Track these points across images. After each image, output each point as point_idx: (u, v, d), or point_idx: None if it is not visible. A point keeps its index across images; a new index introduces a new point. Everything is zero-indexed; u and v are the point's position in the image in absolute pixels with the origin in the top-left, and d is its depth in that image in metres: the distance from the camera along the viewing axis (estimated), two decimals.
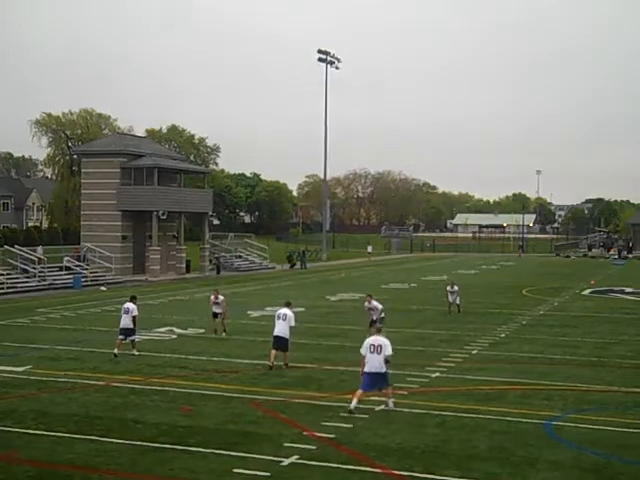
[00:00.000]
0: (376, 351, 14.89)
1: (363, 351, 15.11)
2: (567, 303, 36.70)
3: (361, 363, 15.19)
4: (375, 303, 24.39)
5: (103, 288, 44.04)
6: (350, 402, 14.86)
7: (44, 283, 43.91)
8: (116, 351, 21.17)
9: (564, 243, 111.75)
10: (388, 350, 14.93)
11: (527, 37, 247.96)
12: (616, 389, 17.32)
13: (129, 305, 21.85)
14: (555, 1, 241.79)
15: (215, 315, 25.50)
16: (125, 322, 21.62)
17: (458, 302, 32.01)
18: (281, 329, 19.43)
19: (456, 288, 32.18)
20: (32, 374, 18.86)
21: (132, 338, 21.71)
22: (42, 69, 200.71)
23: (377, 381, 14.93)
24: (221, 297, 25.58)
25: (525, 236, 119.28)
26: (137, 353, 21.39)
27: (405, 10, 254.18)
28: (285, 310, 19.76)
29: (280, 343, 19.35)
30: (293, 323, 19.60)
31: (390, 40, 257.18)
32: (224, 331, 25.28)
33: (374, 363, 14.86)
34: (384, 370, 14.88)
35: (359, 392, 14.93)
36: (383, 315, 24.18)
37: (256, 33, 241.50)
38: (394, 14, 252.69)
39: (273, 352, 19.40)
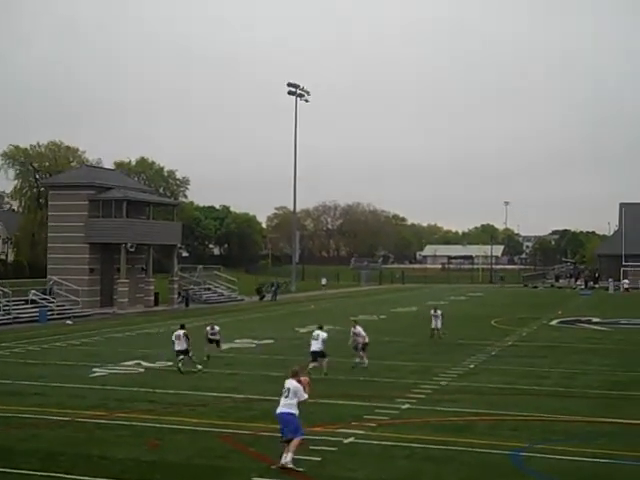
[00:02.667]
0: (283, 395, 13.67)
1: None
2: (535, 333, 36.95)
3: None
4: (359, 329, 25.64)
5: (69, 322, 43.53)
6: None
7: (8, 317, 43.26)
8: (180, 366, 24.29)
9: (532, 274, 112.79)
10: (301, 394, 13.65)
11: (493, 67, 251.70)
12: (582, 419, 17.41)
13: (179, 332, 24.91)
14: (517, 28, 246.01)
15: (210, 341, 27.36)
16: (180, 345, 24.61)
17: (439, 327, 33.80)
18: (317, 346, 23.65)
19: (439, 312, 34.31)
20: None
21: (189, 355, 24.73)
22: (9, 101, 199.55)
23: (283, 424, 13.57)
24: (217, 327, 27.79)
25: (494, 267, 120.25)
26: (200, 367, 24.51)
27: (373, 43, 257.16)
28: (318, 332, 24.06)
29: (317, 354, 23.56)
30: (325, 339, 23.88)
31: (359, 73, 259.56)
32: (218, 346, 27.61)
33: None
34: (291, 411, 13.51)
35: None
36: (367, 341, 25.53)
37: (224, 65, 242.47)
38: (363, 47, 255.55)
39: (312, 364, 23.26)
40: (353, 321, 26.92)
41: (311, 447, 14.53)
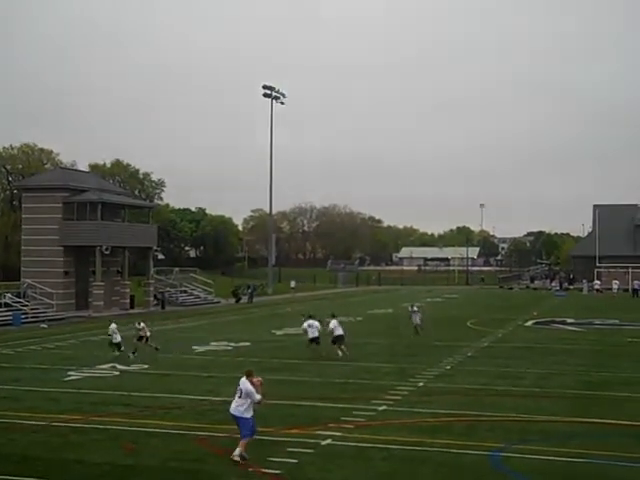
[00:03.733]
0: (237, 394, 14.04)
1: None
2: (511, 334, 37.14)
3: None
4: (332, 324, 28.35)
5: (44, 325, 43.13)
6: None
7: None
8: None
9: (507, 275, 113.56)
10: (253, 396, 13.92)
11: (475, 67, 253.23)
12: (558, 419, 17.52)
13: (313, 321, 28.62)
14: (500, 30, 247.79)
15: (140, 338, 29.38)
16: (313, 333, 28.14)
17: (419, 322, 35.63)
18: (315, 333, 28.01)
19: (416, 308, 36.54)
20: None
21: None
22: None
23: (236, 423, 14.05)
24: (142, 324, 29.87)
25: (470, 268, 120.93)
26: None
27: (351, 43, 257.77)
28: (312, 321, 28.40)
29: (316, 340, 28.00)
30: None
31: (335, 73, 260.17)
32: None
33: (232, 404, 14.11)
34: (243, 415, 13.85)
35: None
36: (340, 333, 28.19)
37: (202, 66, 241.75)
38: (342, 47, 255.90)
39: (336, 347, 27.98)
40: (331, 315, 29.26)
41: (288, 449, 14.51)
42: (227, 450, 14.50)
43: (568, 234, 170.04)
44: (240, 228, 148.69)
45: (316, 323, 28.38)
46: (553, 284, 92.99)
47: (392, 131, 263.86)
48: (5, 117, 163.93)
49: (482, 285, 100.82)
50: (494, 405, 19.17)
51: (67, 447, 15.04)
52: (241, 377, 14.26)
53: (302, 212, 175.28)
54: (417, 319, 35.59)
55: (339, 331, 28.03)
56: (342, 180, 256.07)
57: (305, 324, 28.64)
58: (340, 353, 27.73)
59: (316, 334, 28.03)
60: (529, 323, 43.41)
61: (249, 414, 13.85)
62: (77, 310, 51.46)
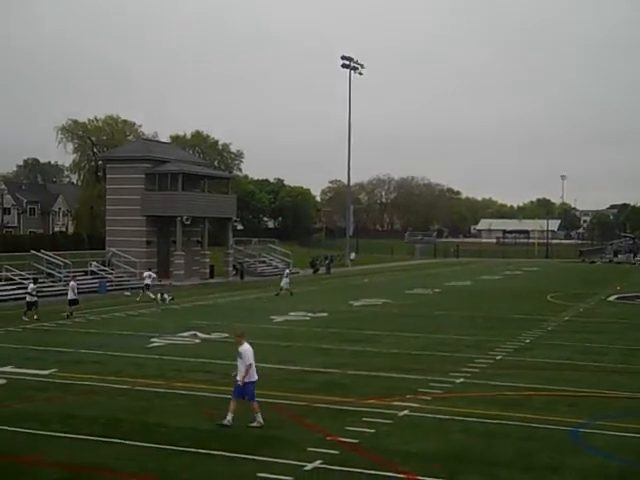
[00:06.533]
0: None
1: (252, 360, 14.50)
2: (593, 309, 36.36)
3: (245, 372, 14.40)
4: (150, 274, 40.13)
5: (127, 293, 44.27)
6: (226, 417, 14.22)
7: None
8: None
9: (590, 249, 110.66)
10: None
11: (549, 34, 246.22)
12: None
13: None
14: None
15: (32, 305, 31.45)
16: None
17: (287, 286, 41.43)
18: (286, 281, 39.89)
19: (287, 271, 43.61)
20: (57, 377, 19.01)
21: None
22: (68, 76, 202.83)
23: (249, 389, 14.36)
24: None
25: (550, 242, 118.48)
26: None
27: (428, 16, 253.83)
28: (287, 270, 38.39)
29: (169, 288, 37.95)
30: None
31: (412, 45, 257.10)
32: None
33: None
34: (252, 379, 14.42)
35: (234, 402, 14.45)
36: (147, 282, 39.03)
37: (279, 39, 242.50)
38: (417, 20, 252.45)
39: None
40: (148, 269, 40.06)
41: (365, 419, 14.62)
42: (304, 418, 14.73)
43: None
44: (318, 199, 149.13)
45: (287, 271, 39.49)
46: (638, 258, 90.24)
47: (470, 102, 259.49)
48: (91, 89, 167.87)
49: (583, 259, 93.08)
50: (575, 380, 18.84)
51: (151, 411, 15.51)
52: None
53: (380, 183, 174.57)
54: (285, 283, 41.37)
55: (148, 281, 38.90)
56: (420, 151, 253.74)
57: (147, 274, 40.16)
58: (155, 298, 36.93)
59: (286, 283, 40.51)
60: (612, 298, 42.36)
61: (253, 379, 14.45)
62: (158, 279, 52.53)
